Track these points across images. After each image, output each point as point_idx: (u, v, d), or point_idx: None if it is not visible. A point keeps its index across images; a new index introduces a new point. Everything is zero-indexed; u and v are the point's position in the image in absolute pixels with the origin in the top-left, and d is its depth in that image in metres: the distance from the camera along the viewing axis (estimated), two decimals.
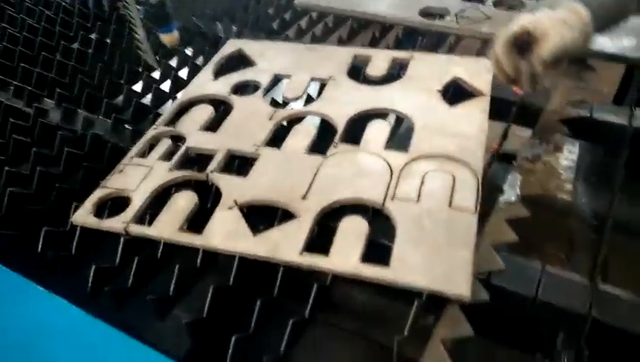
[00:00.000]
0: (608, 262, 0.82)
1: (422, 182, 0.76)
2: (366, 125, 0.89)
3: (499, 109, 0.92)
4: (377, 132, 0.87)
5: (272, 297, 0.63)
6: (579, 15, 0.72)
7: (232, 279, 0.65)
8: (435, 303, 0.60)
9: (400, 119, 0.92)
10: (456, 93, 0.95)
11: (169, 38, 1.17)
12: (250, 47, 1.15)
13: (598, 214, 1.06)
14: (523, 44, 0.74)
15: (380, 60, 1.04)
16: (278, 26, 1.31)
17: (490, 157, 0.84)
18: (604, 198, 0.90)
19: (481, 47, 1.09)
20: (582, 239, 1.06)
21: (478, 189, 0.73)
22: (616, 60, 0.99)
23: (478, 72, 0.95)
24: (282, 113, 0.94)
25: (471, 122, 0.85)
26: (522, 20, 0.73)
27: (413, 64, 1.02)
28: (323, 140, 0.88)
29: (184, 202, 0.75)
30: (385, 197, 0.74)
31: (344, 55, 1.07)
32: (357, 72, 1.04)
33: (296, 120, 0.93)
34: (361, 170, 0.79)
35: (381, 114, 0.92)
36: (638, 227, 0.96)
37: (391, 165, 0.79)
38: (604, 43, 0.99)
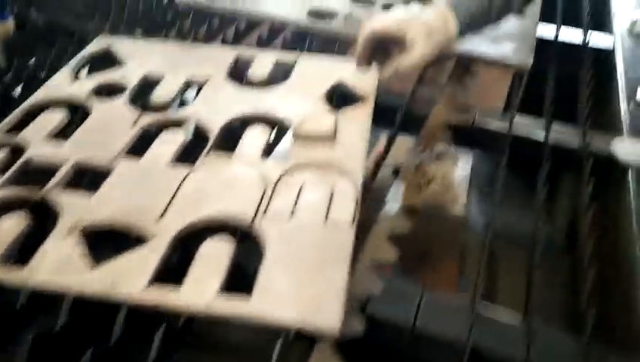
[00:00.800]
0: (497, 278, 0.79)
1: (298, 195, 0.68)
2: (244, 132, 0.80)
3: (384, 116, 0.87)
4: (255, 140, 0.79)
5: (109, 346, 0.52)
6: (445, 17, 0.70)
7: (59, 324, 0.53)
8: (307, 337, 0.53)
9: (285, 125, 0.84)
10: (342, 97, 0.89)
11: (1, 29, 0.99)
12: (120, 45, 1.02)
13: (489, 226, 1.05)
14: (385, 43, 0.71)
15: (263, 62, 0.96)
16: (158, 25, 1.19)
17: (373, 167, 0.79)
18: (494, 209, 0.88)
19: None
20: (473, 256, 1.04)
21: (357, 201, 0.67)
22: (496, 65, 0.99)
23: (362, 77, 0.90)
24: (148, 119, 0.83)
25: (353, 129, 0.79)
26: (388, 19, 0.70)
27: (298, 67, 0.95)
28: (194, 150, 0.78)
29: (9, 227, 0.62)
30: (255, 214, 0.65)
31: (225, 56, 0.98)
32: (240, 74, 0.95)
33: (166, 126, 0.82)
34: (232, 184, 0.70)
35: (262, 119, 0.83)
36: (526, 238, 0.96)
37: (266, 177, 0.71)
38: (485, 47, 0.99)
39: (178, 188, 0.69)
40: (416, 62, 0.68)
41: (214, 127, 0.80)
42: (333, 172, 0.72)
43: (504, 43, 0.99)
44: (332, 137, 0.77)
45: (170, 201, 0.67)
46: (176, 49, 1.01)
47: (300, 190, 0.69)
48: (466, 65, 1.00)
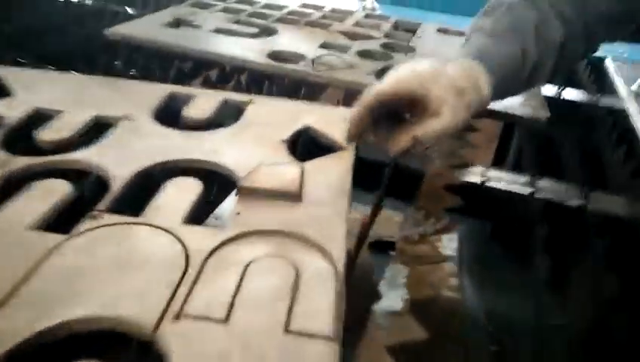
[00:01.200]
0: None
1: (240, 282, 0.41)
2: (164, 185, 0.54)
3: (366, 175, 0.64)
4: (179, 196, 0.52)
5: None
6: (475, 79, 0.48)
7: None
8: None
9: (228, 180, 0.58)
10: (309, 146, 0.65)
11: None
12: (15, 74, 0.76)
13: (490, 314, 0.80)
14: (395, 108, 0.49)
15: (205, 100, 0.72)
16: (80, 60, 0.94)
17: (356, 241, 0.53)
18: (491, 292, 0.64)
19: (345, 98, 0.83)
20: (477, 353, 0.77)
21: (339, 294, 0.41)
22: (499, 118, 0.79)
23: (334, 122, 0.67)
24: (19, 162, 0.55)
25: (329, 184, 0.55)
26: (403, 75, 0.47)
27: (252, 108, 0.71)
28: (85, 207, 0.50)
29: None
30: (162, 316, 0.37)
31: (154, 92, 0.73)
32: (173, 115, 0.71)
33: (44, 174, 0.55)
34: (131, 261, 0.43)
35: (194, 169, 0.57)
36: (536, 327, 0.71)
37: (188, 250, 0.44)
38: None
39: (38, 267, 0.41)
40: (448, 129, 0.47)
41: (119, 177, 0.53)
42: (298, 245, 0.46)
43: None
44: (297, 194, 0.52)
45: (17, 285, 0.38)
46: (88, 81, 0.76)
47: (243, 273, 0.42)
48: None
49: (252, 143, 0.62)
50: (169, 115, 0.70)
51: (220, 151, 0.60)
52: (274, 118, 0.69)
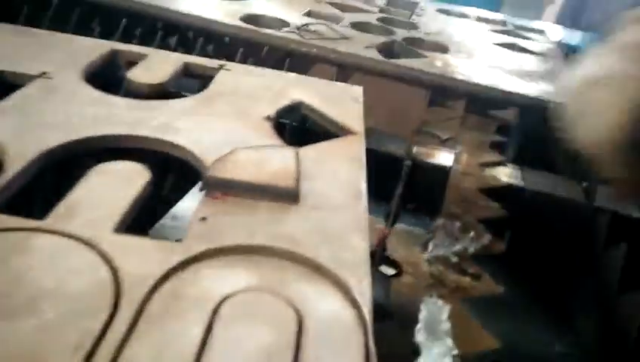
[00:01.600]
0: None
1: (205, 337, 0.24)
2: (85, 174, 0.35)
3: (379, 170, 0.47)
4: (109, 188, 0.34)
5: None
6: None
7: None
8: None
9: (188, 169, 0.41)
10: (302, 128, 0.49)
11: None
12: None
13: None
14: None
15: (159, 62, 0.54)
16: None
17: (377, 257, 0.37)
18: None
19: (338, 74, 0.67)
20: None
21: (370, 357, 0.24)
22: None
23: (339, 99, 0.51)
24: None
25: (336, 179, 0.38)
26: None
27: (223, 76, 0.54)
28: None
29: None
30: None
31: (88, 47, 0.55)
32: (112, 77, 0.52)
33: None
34: (18, 296, 0.24)
35: (137, 149, 0.40)
36: None
37: (121, 277, 0.26)
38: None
39: None
40: None
41: (16, 158, 0.35)
42: (296, 272, 0.29)
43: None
44: (293, 192, 0.35)
45: None
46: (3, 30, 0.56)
47: (211, 320, 0.25)
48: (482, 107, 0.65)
49: (224, 119, 0.45)
50: (108, 79, 0.51)
51: (178, 127, 0.42)
52: (253, 89, 0.52)
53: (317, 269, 0.30)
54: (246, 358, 0.24)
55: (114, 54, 0.55)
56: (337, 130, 0.47)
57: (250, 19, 0.74)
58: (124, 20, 0.72)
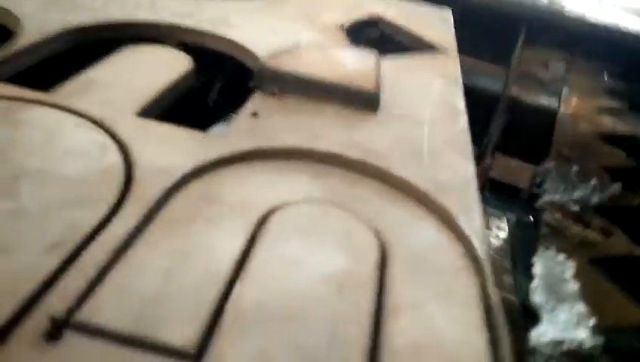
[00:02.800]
0: None
1: (248, 249, 0.15)
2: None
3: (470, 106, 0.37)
4: (133, 71, 0.26)
5: None
6: None
7: None
8: None
9: (242, 70, 0.32)
10: (381, 41, 0.39)
11: None
12: None
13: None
14: None
15: None
16: None
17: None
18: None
19: None
20: None
21: (495, 311, 0.15)
22: None
23: (426, 19, 0.42)
24: None
25: (427, 93, 0.29)
26: None
27: None
28: None
29: None
30: (15, 320, 0.11)
31: None
32: None
33: None
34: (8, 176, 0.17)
35: (175, 37, 0.32)
36: None
37: (133, 164, 0.18)
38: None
39: None
40: None
41: (33, 33, 0.28)
42: (379, 190, 0.21)
43: None
44: (374, 95, 0.26)
45: None
46: None
47: (254, 232, 0.17)
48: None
49: (289, 21, 0.37)
50: None
51: (232, 22, 0.34)
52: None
53: (405, 188, 0.21)
54: (303, 288, 0.16)
55: None
56: (424, 48, 0.38)
57: None
58: None
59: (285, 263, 0.17)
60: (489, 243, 0.19)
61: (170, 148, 0.21)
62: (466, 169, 0.23)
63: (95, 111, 0.22)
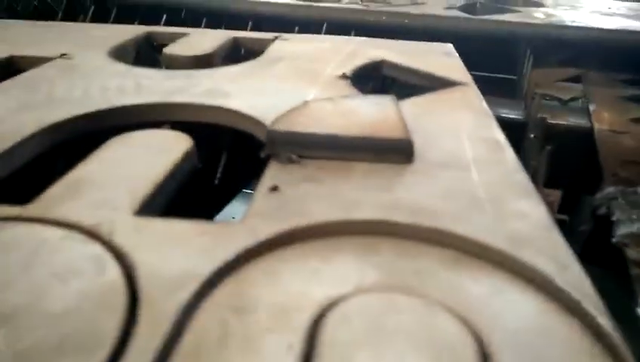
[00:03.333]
0: None
1: None
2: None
3: None
4: (125, 162, 0.23)
5: None
6: None
7: None
8: None
9: (246, 142, 0.29)
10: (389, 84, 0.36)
11: None
12: None
13: None
14: None
15: (202, 38, 0.44)
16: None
17: None
18: None
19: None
20: None
21: None
22: None
23: (429, 56, 0.39)
24: None
25: (458, 131, 0.25)
26: None
27: (279, 45, 0.43)
28: None
29: None
30: None
31: (119, 32, 0.45)
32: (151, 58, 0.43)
33: None
34: None
35: (173, 116, 0.29)
36: None
37: (137, 281, 0.14)
38: None
39: None
40: None
41: (8, 137, 0.25)
42: (442, 255, 0.16)
43: None
44: (407, 147, 0.23)
45: None
46: (34, 25, 0.49)
47: (310, 339, 0.12)
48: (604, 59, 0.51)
49: (286, 80, 0.34)
50: (144, 58, 0.42)
51: (228, 91, 0.31)
52: (320, 53, 0.40)
53: (476, 250, 0.17)
54: None
55: (148, 37, 0.46)
56: (438, 85, 0.35)
57: None
58: (164, 17, 0.64)
59: None
60: (606, 310, 0.15)
61: (181, 250, 0.17)
62: (538, 211, 0.19)
63: (85, 219, 0.18)
